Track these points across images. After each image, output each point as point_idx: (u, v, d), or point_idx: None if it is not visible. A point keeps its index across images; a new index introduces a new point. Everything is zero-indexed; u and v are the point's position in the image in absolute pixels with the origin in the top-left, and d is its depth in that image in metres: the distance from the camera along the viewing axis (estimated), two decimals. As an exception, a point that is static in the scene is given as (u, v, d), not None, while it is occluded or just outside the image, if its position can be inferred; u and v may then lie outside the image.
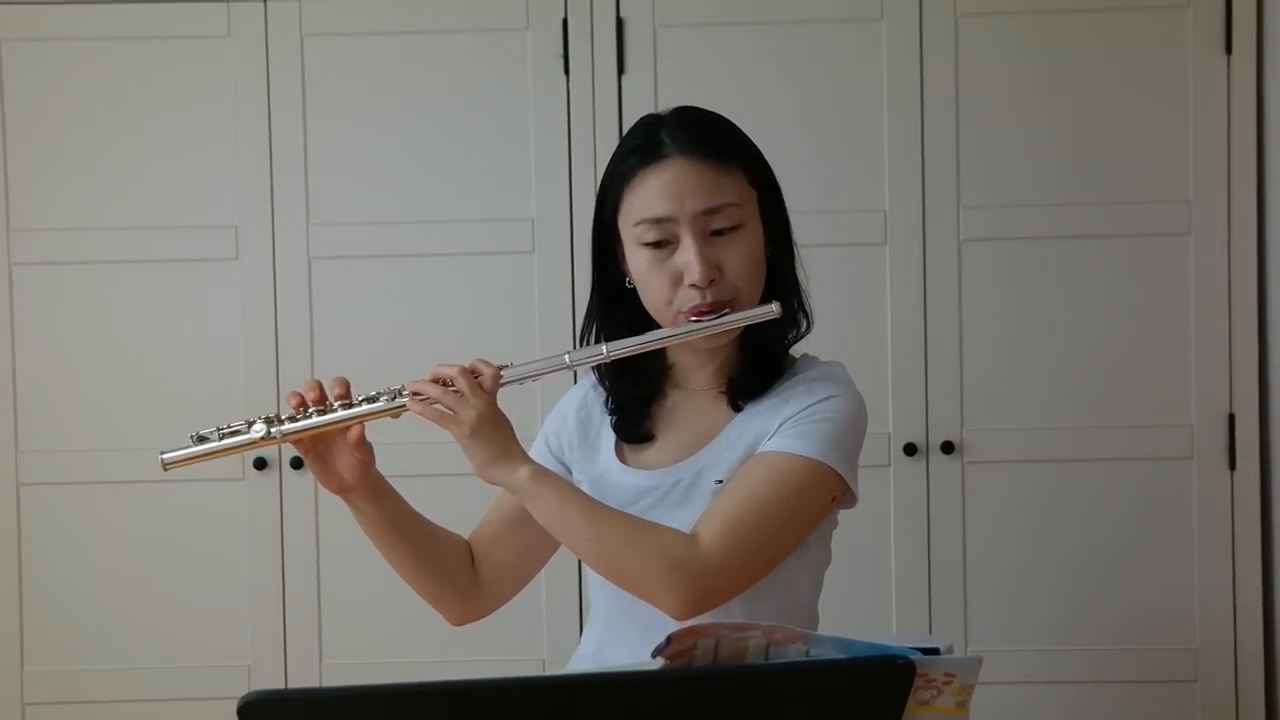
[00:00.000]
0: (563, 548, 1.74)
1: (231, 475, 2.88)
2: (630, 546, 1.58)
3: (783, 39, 2.89)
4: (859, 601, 2.88)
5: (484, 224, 2.90)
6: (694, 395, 1.75)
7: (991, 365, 2.89)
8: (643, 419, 1.75)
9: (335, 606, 2.92)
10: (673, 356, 1.75)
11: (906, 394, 2.88)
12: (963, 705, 1.31)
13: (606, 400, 1.78)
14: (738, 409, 1.71)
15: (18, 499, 2.92)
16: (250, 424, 1.63)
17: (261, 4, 2.89)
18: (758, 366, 1.71)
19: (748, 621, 1.38)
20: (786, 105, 2.89)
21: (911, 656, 1.25)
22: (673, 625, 1.52)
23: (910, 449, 2.87)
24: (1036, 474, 2.89)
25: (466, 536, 1.82)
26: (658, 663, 1.24)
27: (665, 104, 2.85)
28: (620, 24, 2.88)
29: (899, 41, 2.87)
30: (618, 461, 1.75)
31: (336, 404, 1.63)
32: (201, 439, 1.64)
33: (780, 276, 1.73)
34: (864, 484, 2.82)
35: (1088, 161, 2.88)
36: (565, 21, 2.88)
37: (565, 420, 1.82)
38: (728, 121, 1.75)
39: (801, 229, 2.86)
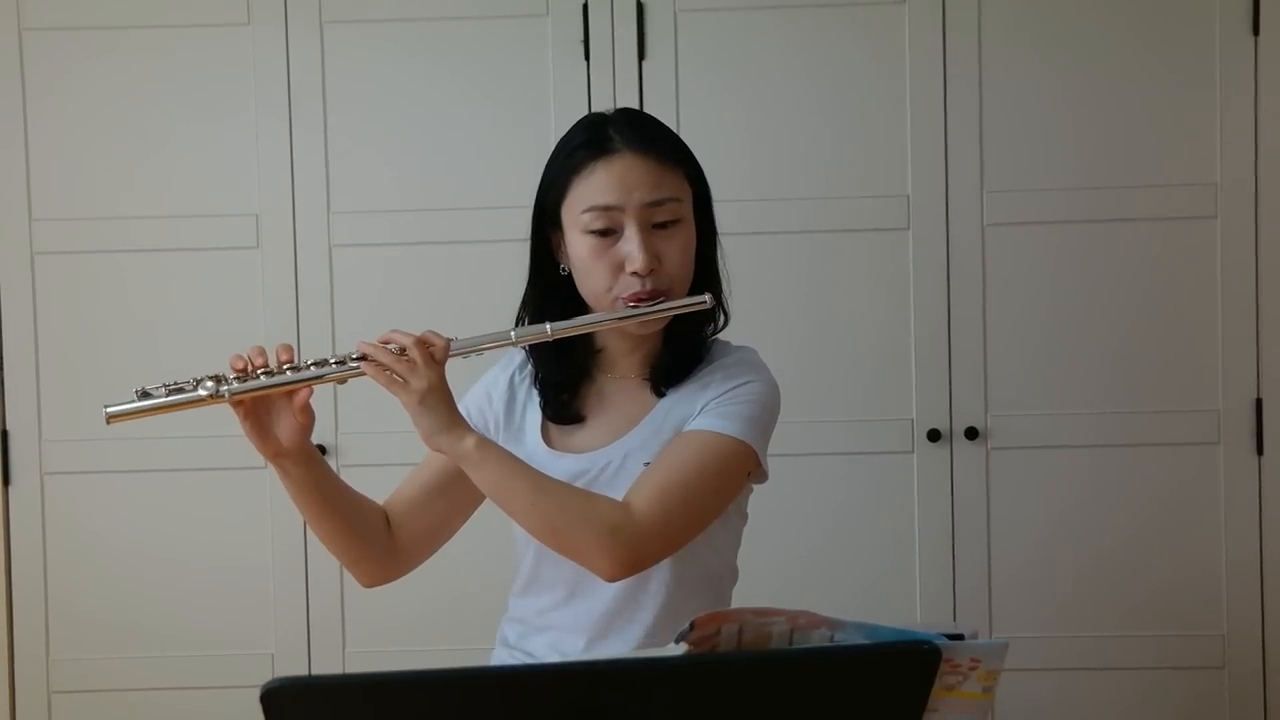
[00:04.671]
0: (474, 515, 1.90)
1: (255, 464, 2.85)
2: (569, 514, 1.67)
3: (804, 23, 2.87)
4: (883, 588, 2.88)
5: (506, 210, 2.86)
6: (620, 381, 1.85)
7: (1016, 351, 2.87)
8: (572, 399, 1.84)
9: (358, 594, 2.90)
10: (602, 342, 1.85)
11: (930, 380, 2.87)
12: (989, 690, 1.30)
13: (535, 380, 1.86)
14: (660, 394, 1.82)
15: (42, 487, 2.93)
16: (198, 382, 1.67)
17: (281, -9, 2.89)
18: (680, 355, 1.83)
19: (771, 607, 1.37)
20: (808, 89, 2.88)
21: (937, 641, 1.24)
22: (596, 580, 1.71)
23: (934, 435, 2.85)
24: (1061, 460, 2.87)
25: (382, 503, 1.90)
26: (681, 648, 1.24)
27: (687, 89, 2.88)
28: (641, 8, 2.87)
29: (922, 25, 2.85)
30: (545, 446, 1.83)
31: (285, 367, 1.69)
32: (146, 394, 1.68)
33: (706, 274, 1.84)
34: (888, 470, 2.87)
35: (1113, 144, 2.86)
36: (585, 7, 2.87)
37: (490, 399, 1.90)
38: (667, 126, 1.86)
39: (824, 214, 2.88)
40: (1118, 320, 2.87)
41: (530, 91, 2.87)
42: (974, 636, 1.31)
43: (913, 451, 2.87)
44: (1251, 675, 2.86)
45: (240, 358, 1.69)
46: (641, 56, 2.87)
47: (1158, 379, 2.86)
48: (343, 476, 2.81)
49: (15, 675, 2.94)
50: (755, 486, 1.86)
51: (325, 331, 2.90)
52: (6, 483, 2.93)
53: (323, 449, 2.86)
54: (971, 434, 2.85)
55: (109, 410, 1.68)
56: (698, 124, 2.87)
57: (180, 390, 1.68)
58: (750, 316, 2.85)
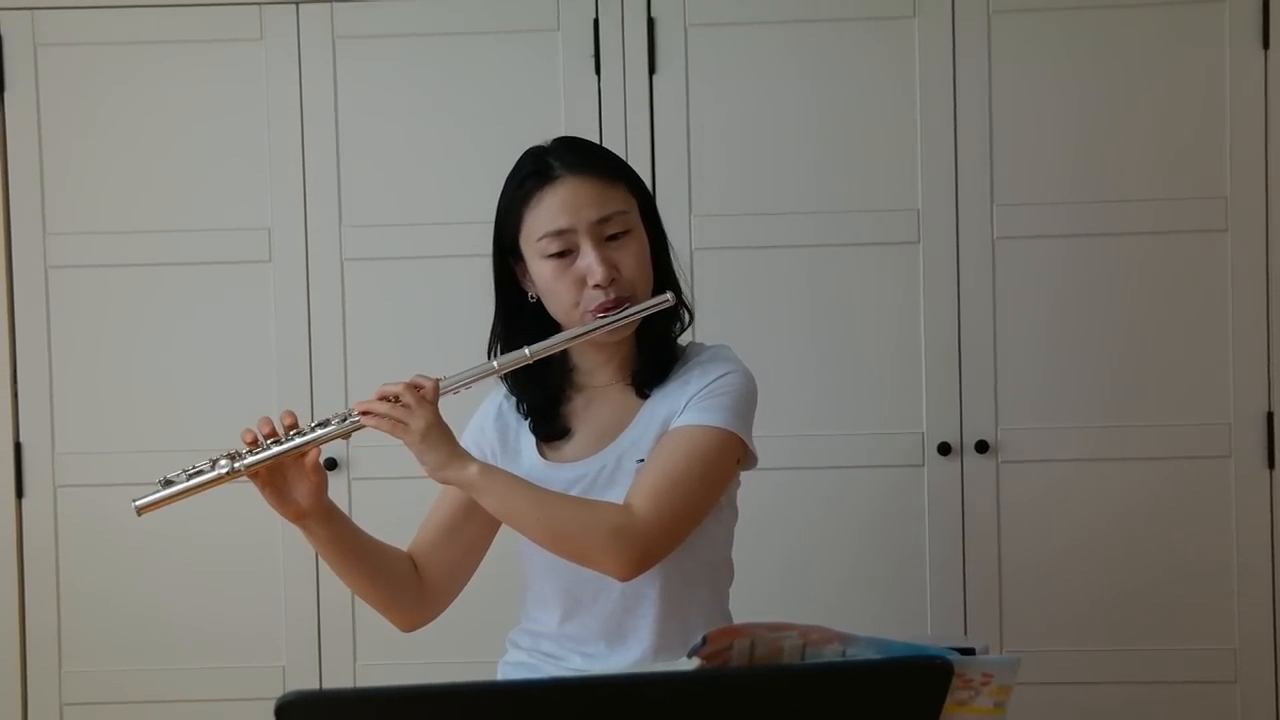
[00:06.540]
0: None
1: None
2: (574, 522, 1.77)
3: (814, 37, 2.88)
4: (894, 602, 2.87)
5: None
6: (600, 391, 1.95)
7: (1026, 364, 2.87)
8: (556, 417, 1.95)
9: (368, 607, 2.91)
10: (575, 359, 1.95)
11: (940, 393, 2.87)
12: (1000, 706, 1.30)
13: (519, 406, 1.97)
14: (644, 396, 1.92)
15: (55, 500, 2.94)
16: (214, 462, 1.80)
17: (294, 7, 2.90)
18: (655, 357, 1.93)
19: (783, 622, 1.38)
20: (818, 103, 2.88)
21: (949, 657, 1.24)
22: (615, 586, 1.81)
23: (944, 448, 2.85)
24: (1072, 473, 2.87)
25: (405, 549, 2.00)
26: (694, 663, 1.24)
27: (697, 103, 2.89)
28: (651, 23, 2.88)
29: (931, 38, 2.86)
30: (541, 460, 1.94)
31: (291, 433, 1.79)
32: (169, 482, 1.82)
33: (663, 276, 1.94)
34: (898, 484, 2.87)
35: (1123, 158, 2.86)
36: (596, 21, 2.88)
37: (484, 431, 2.01)
38: (603, 146, 2.02)
39: (835, 228, 2.89)
40: (1128, 334, 2.87)
41: (541, 106, 2.88)
42: (985, 650, 1.31)
43: (923, 465, 2.87)
44: (1264, 689, 2.85)
45: (250, 431, 1.80)
46: (652, 70, 2.88)
47: (1168, 392, 2.86)
48: (355, 489, 2.86)
49: (28, 687, 2.95)
50: (754, 493, 1.95)
51: (337, 345, 2.91)
52: (20, 495, 2.94)
53: (334, 463, 2.87)
54: (982, 447, 2.85)
55: (138, 503, 1.83)
56: (708, 137, 2.88)
57: (200, 473, 1.80)
58: (761, 329, 2.88)
